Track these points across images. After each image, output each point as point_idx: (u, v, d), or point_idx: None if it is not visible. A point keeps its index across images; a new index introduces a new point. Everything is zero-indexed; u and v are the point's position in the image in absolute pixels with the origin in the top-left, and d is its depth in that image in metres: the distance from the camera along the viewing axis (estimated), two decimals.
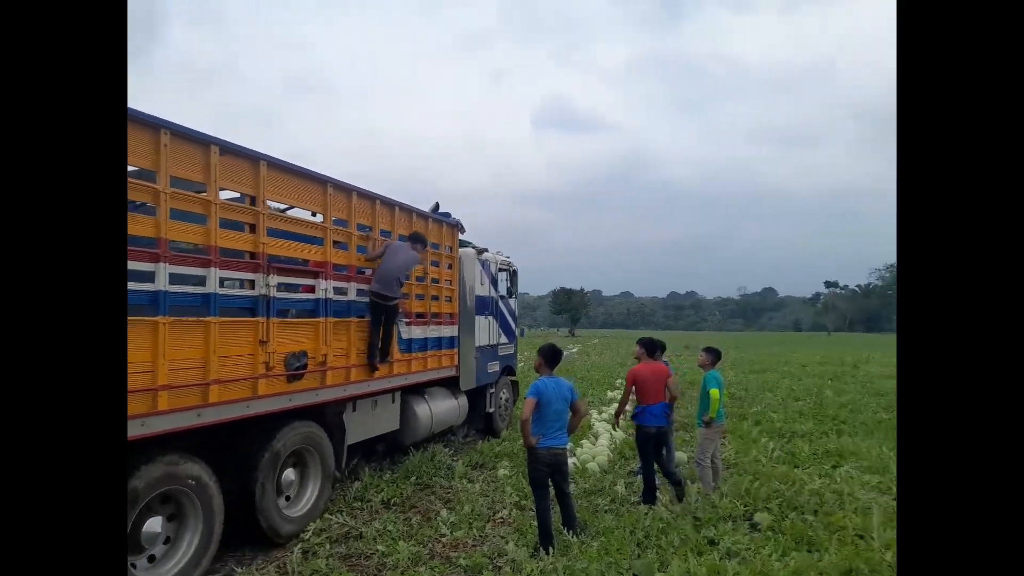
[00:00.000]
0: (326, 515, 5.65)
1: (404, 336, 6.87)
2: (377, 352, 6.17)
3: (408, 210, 6.98)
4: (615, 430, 9.16)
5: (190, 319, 4.18)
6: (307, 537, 5.23)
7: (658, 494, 6.17)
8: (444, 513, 5.75)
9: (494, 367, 9.53)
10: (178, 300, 4.11)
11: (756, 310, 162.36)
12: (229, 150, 4.52)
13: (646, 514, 5.44)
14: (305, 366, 5.18)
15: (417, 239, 6.67)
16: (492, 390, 9.51)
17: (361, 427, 6.44)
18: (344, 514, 5.83)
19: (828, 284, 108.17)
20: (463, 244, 8.75)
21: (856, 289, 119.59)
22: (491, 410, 9.51)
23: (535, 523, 4.99)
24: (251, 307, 4.75)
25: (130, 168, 3.77)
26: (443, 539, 5.18)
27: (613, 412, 9.47)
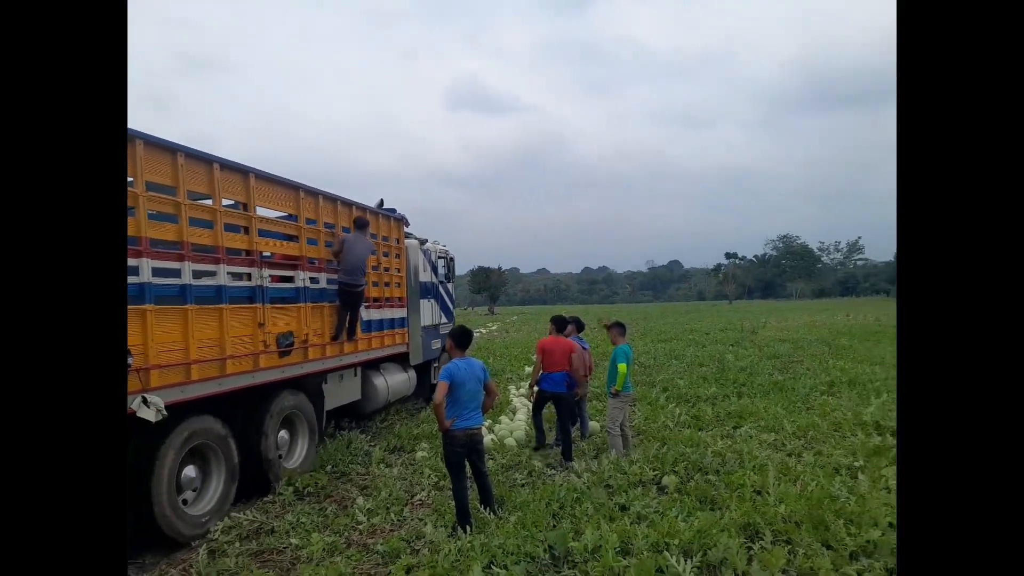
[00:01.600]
0: (232, 512, 5.42)
1: (364, 318, 7.91)
2: (344, 331, 7.27)
3: (362, 208, 8.07)
4: (530, 401, 9.33)
5: (209, 307, 5.23)
6: (215, 536, 5.00)
7: (574, 461, 6.49)
8: (360, 500, 5.65)
9: (436, 344, 10.69)
10: (200, 292, 5.15)
11: (663, 282, 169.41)
12: (227, 165, 5.54)
13: (561, 485, 5.58)
14: (292, 344, 6.29)
15: (360, 224, 7.44)
16: (436, 364, 10.73)
17: (334, 396, 7.59)
18: (254, 509, 5.60)
19: (728, 255, 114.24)
20: (407, 236, 9.83)
21: (753, 259, 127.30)
22: (436, 382, 9.69)
23: (453, 503, 5.00)
24: (250, 296, 5.81)
25: (156, 183, 4.75)
26: (360, 527, 5.09)
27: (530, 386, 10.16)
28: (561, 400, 7.01)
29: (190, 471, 5.17)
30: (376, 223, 8.36)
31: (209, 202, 5.40)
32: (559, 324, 7.42)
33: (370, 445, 7.57)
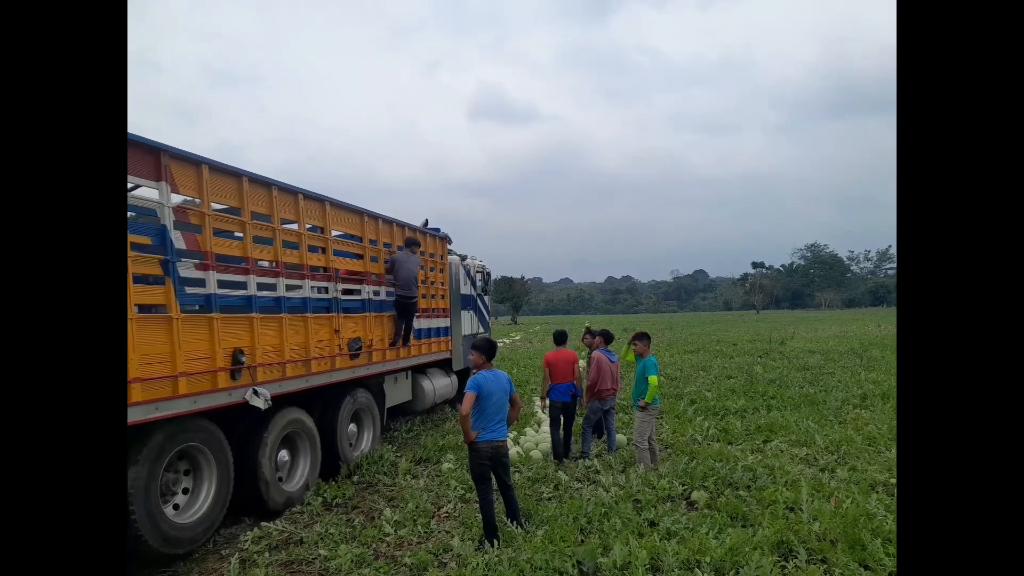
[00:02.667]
0: (263, 523, 5.49)
1: (415, 327, 8.80)
2: (400, 338, 8.20)
3: (414, 228, 8.98)
4: (543, 413, 9.39)
5: (297, 315, 6.13)
6: (245, 546, 5.06)
7: (601, 475, 6.42)
8: (388, 512, 5.67)
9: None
10: (291, 303, 6.02)
11: (688, 292, 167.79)
12: (308, 195, 6.45)
13: (588, 500, 5.54)
14: (360, 348, 7.18)
15: (409, 243, 8.41)
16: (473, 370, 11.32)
17: (392, 396, 8.63)
18: (283, 519, 5.66)
19: (755, 265, 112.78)
20: (449, 253, 10.82)
21: (780, 269, 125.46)
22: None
23: (480, 516, 4.99)
24: (327, 306, 6.72)
25: (257, 212, 5.70)
26: (387, 539, 5.10)
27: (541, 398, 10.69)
28: (569, 410, 7.44)
29: (284, 454, 6.11)
30: (424, 241, 9.30)
31: (295, 227, 6.30)
32: (559, 338, 7.90)
33: (396, 456, 7.60)
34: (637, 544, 4.36)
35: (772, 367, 15.85)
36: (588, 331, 8.77)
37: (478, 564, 4.28)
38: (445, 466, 7.23)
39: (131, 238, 4.34)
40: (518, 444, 7.87)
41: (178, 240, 4.79)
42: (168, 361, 4.58)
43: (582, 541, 4.65)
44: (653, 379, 6.55)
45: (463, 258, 11.50)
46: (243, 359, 5.23)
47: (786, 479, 5.93)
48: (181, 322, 4.69)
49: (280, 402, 5.76)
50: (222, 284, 5.18)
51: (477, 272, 12.08)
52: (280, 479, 6.01)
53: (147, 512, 4.37)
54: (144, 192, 4.63)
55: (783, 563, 4.10)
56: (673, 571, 3.96)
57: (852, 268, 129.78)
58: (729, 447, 7.48)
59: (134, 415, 4.20)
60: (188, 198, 5.03)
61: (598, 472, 6.63)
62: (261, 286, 5.62)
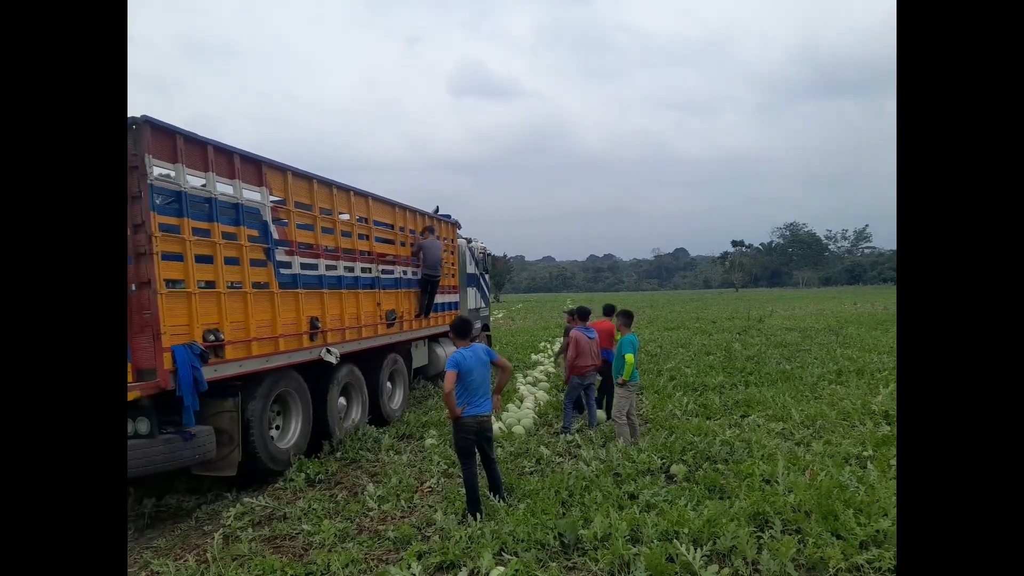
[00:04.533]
0: (245, 498, 5.49)
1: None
2: (423, 310, 9.80)
3: (430, 216, 10.47)
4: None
5: (350, 291, 7.58)
6: (228, 522, 5.06)
7: (582, 450, 6.53)
8: (371, 487, 5.70)
9: (478, 324, 13.12)
10: (347, 281, 7.53)
11: (669, 270, 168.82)
12: (357, 192, 7.97)
13: (570, 473, 5.62)
14: (395, 319, 8.78)
15: (431, 230, 10.02)
16: (478, 338, 13.00)
17: (416, 360, 10.20)
18: (266, 495, 5.66)
19: (735, 243, 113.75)
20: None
21: (759, 247, 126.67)
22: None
23: (463, 491, 5.04)
24: (371, 284, 8.16)
25: (322, 207, 7.12)
26: (371, 513, 5.14)
27: (537, 375, 11.89)
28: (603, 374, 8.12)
29: (342, 401, 7.57)
30: (438, 227, 10.66)
31: (346, 217, 7.73)
32: (583, 314, 8.09)
33: (379, 432, 7.62)
34: (617, 516, 4.44)
35: (750, 344, 16.10)
36: (570, 312, 8.88)
37: (461, 537, 4.34)
38: (428, 442, 7.27)
39: (245, 231, 5.76)
40: (500, 420, 7.93)
41: (274, 232, 6.22)
42: (270, 326, 6.08)
43: (563, 514, 4.72)
44: (629, 357, 6.66)
45: (469, 241, 13.00)
46: (318, 325, 6.75)
47: (763, 453, 6.06)
48: (279, 296, 6.18)
49: (341, 360, 7.06)
50: (303, 266, 6.64)
51: (480, 253, 13.76)
52: (341, 419, 7.44)
53: (260, 436, 5.86)
54: (250, 195, 5.91)
55: (759, 533, 4.21)
56: (652, 542, 4.05)
57: (829, 247, 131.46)
58: (708, 422, 7.61)
59: (252, 365, 5.74)
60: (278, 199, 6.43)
61: (579, 447, 6.72)
62: (328, 267, 7.11)
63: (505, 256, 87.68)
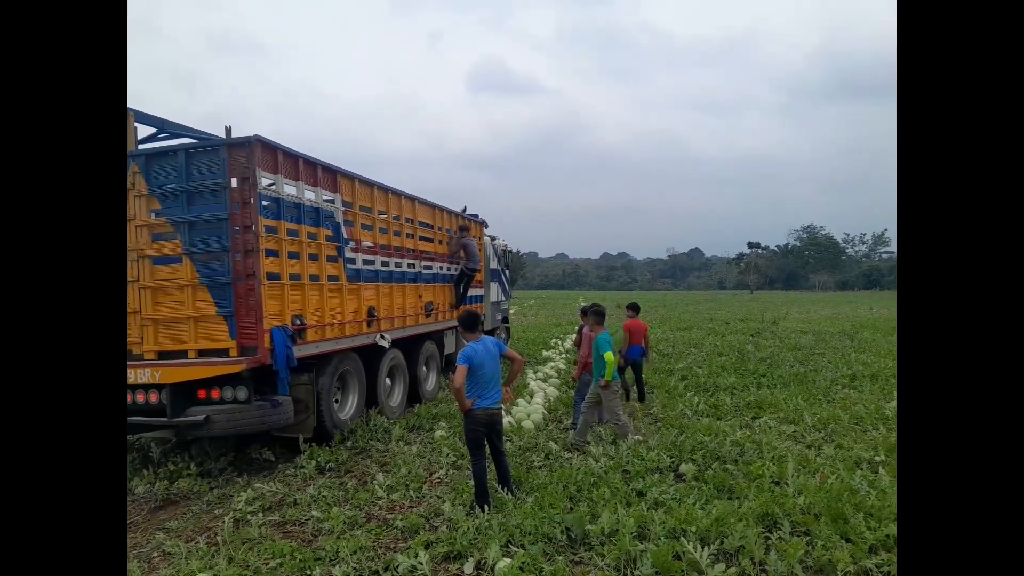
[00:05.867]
0: (256, 484, 5.56)
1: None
2: (460, 301, 10.82)
3: (462, 216, 11.50)
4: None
5: (398, 284, 8.57)
6: (239, 506, 5.13)
7: (591, 446, 6.52)
8: (380, 476, 5.74)
9: (499, 316, 14.73)
10: (396, 275, 8.54)
11: (684, 270, 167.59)
12: (405, 195, 8.90)
13: (578, 469, 5.62)
14: (433, 309, 9.66)
15: (464, 228, 11.02)
16: (498, 330, 14.36)
17: (447, 347, 11.10)
18: (277, 481, 5.73)
19: (751, 245, 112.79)
20: None
21: (776, 249, 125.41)
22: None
23: (471, 482, 5.06)
24: (414, 278, 9.15)
25: (375, 208, 8.09)
26: (379, 502, 5.18)
27: (548, 371, 11.94)
28: (636, 365, 9.02)
29: (387, 381, 8.44)
30: (468, 224, 11.58)
31: (397, 219, 8.71)
32: (635, 308, 9.50)
33: (390, 423, 7.67)
34: (625, 512, 4.43)
35: (764, 346, 15.97)
36: (583, 310, 8.88)
37: (468, 528, 4.36)
38: (438, 434, 7.30)
39: (323, 231, 6.76)
40: (510, 414, 7.95)
41: (344, 231, 7.18)
42: (340, 313, 7.07)
43: (571, 508, 4.72)
44: (608, 356, 6.42)
45: (493, 238, 14.03)
46: (375, 313, 7.76)
47: (773, 454, 6.02)
48: (346, 288, 7.17)
49: (389, 348, 8.07)
50: (364, 262, 7.63)
51: (500, 249, 14.74)
52: (387, 396, 8.34)
53: (328, 407, 6.79)
54: (327, 199, 6.91)
55: (767, 534, 4.19)
56: (659, 539, 4.04)
57: (847, 251, 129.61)
58: (718, 422, 7.57)
59: (326, 347, 6.68)
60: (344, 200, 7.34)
61: (588, 443, 6.71)
62: (383, 263, 8.13)
63: (518, 252, 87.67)
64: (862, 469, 5.55)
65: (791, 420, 7.72)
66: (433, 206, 10.07)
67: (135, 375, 5.58)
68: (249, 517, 4.91)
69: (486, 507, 4.76)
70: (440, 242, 10.26)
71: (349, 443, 6.88)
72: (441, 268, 10.24)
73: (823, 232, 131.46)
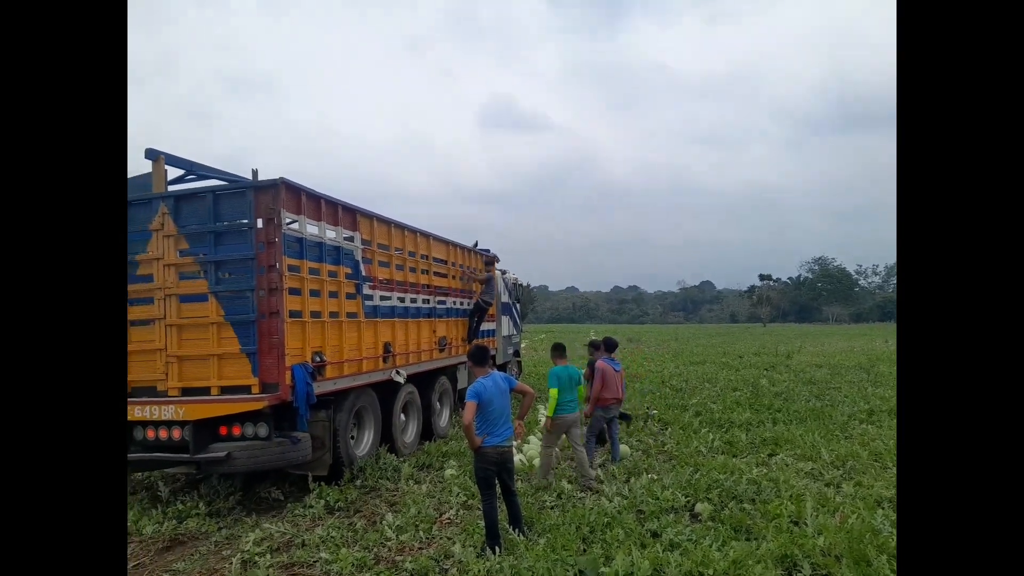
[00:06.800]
0: (265, 524, 5.49)
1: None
2: (473, 335, 10.91)
3: (476, 252, 11.86)
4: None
5: (413, 320, 8.66)
6: (247, 547, 5.06)
7: (603, 485, 6.41)
8: (390, 516, 5.66)
9: (510, 350, 14.90)
10: (412, 311, 8.62)
11: (695, 303, 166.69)
12: (420, 232, 9.09)
13: (591, 509, 5.51)
14: (446, 344, 9.82)
15: (489, 263, 11.99)
16: (510, 364, 14.60)
17: (460, 381, 10.88)
18: (286, 521, 5.66)
19: (762, 277, 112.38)
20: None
21: (788, 281, 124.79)
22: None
23: (482, 523, 4.97)
24: (429, 313, 9.25)
25: (393, 245, 8.25)
26: (389, 543, 5.09)
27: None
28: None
29: (402, 416, 8.39)
30: (480, 260, 12.10)
31: (412, 255, 8.76)
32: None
33: (399, 461, 7.59)
34: (640, 555, 4.33)
35: (778, 380, 15.75)
36: (592, 344, 8.82)
37: (479, 571, 4.27)
38: (448, 472, 7.21)
39: (343, 269, 6.86)
40: (521, 452, 7.85)
41: (363, 269, 7.31)
42: (357, 349, 7.16)
43: (584, 550, 4.62)
44: (553, 392, 6.64)
45: (504, 272, 14.20)
46: (391, 349, 7.81)
47: (791, 493, 5.88)
48: (364, 324, 7.29)
49: (405, 384, 8.05)
50: (381, 298, 7.76)
51: (511, 283, 14.99)
52: (401, 432, 8.30)
53: (344, 443, 6.79)
54: (347, 238, 7.06)
55: None
56: None
57: (860, 282, 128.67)
58: (734, 460, 7.42)
59: (344, 383, 6.72)
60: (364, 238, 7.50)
61: (601, 481, 6.60)
62: (399, 299, 8.21)
63: (528, 285, 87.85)
64: (883, 508, 5.40)
65: (808, 457, 7.56)
66: (447, 242, 10.21)
67: (159, 411, 5.67)
68: (257, 559, 4.84)
69: (497, 549, 4.66)
70: (453, 277, 10.36)
71: (359, 482, 6.81)
72: (455, 303, 10.34)
73: (835, 263, 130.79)
